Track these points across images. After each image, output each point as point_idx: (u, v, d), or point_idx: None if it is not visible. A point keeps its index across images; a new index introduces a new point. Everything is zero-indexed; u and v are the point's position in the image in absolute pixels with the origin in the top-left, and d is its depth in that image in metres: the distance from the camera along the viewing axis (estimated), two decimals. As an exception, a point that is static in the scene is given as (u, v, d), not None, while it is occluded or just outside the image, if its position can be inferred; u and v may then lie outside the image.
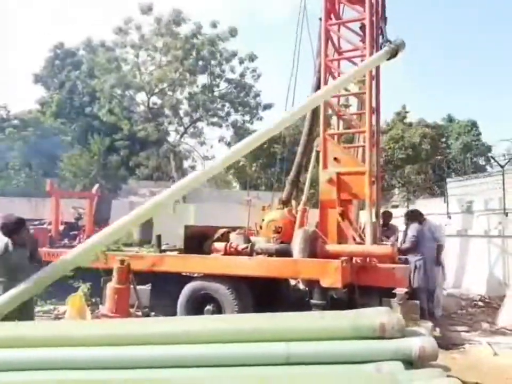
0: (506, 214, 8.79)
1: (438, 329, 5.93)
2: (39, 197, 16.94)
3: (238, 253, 6.09)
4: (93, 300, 6.73)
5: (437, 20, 54.47)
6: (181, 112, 22.38)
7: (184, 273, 6.48)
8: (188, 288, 6.08)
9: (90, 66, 21.17)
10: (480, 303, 8.15)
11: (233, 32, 21.36)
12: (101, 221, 9.39)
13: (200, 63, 21.43)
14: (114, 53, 21.56)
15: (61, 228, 8.73)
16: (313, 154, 7.03)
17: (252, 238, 6.72)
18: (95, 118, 24.15)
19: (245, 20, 53.67)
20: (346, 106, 7.61)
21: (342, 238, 6.23)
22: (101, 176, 20.06)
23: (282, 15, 57.35)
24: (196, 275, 6.38)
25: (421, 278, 6.13)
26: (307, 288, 6.04)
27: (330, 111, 6.98)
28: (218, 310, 5.82)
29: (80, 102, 26.31)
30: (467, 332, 6.26)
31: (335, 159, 6.38)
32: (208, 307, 5.89)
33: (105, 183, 19.30)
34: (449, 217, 10.20)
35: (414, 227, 6.56)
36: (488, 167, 24.10)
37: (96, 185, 9.88)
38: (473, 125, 30.24)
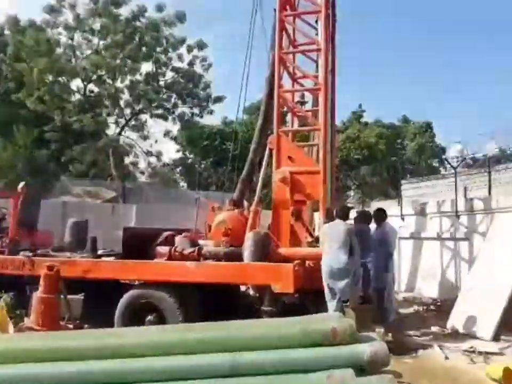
0: (458, 217, 9.33)
1: (390, 334, 6.20)
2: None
3: (184, 257, 6.03)
4: (17, 312, 6.41)
5: (395, 17, 57.05)
6: (122, 103, 21.70)
7: (122, 281, 6.32)
8: (126, 297, 5.93)
9: (17, 48, 19.97)
10: (433, 307, 8.62)
11: (181, 17, 21.06)
12: (27, 222, 8.93)
13: (143, 49, 20.94)
14: (45, 34, 20.53)
15: (-20, 230, 8.21)
16: (267, 152, 7.11)
17: (200, 242, 6.68)
18: (22, 106, 22.85)
19: (183, 4, 51.66)
20: (303, 103, 7.74)
21: (295, 241, 6.35)
22: (28, 172, 19.03)
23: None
24: (136, 282, 6.24)
25: (374, 280, 6.36)
26: (257, 295, 6.10)
27: (285, 108, 7.09)
28: (161, 320, 5.73)
29: (6, 88, 24.85)
30: (419, 336, 6.60)
31: (289, 157, 6.49)
32: (150, 317, 5.78)
33: (33, 180, 18.35)
34: (403, 219, 10.70)
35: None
36: (441, 169, 25.61)
37: (22, 183, 9.35)
38: (428, 125, 32.01)
